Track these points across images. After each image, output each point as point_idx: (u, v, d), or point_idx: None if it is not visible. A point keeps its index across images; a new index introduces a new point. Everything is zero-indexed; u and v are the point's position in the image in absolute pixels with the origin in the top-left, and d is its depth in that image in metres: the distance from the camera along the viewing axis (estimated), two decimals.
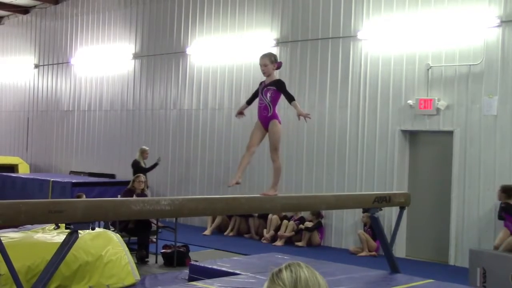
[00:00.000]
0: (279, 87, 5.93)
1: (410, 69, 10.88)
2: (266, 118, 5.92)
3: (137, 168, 12.44)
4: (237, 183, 5.80)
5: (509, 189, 9.13)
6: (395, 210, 10.18)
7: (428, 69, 10.62)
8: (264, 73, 6.02)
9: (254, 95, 6.20)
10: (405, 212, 7.58)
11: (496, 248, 8.87)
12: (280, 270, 2.00)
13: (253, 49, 13.15)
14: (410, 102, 10.78)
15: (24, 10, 18.93)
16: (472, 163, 10.13)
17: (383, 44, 11.27)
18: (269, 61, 5.94)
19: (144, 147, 13.15)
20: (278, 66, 6.01)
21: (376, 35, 11.33)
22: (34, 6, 18.71)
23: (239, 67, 13.49)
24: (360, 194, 9.69)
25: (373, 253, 10.84)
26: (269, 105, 5.92)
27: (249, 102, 6.28)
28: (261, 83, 6.08)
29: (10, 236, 7.06)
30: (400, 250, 10.68)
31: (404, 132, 11.04)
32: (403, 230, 10.65)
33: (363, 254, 10.83)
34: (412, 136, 11.15)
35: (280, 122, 5.94)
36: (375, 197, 7.02)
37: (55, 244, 5.46)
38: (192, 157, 14.23)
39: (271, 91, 5.91)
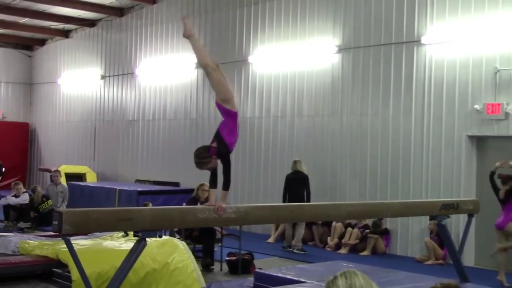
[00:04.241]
0: (217, 135, 5.43)
1: (477, 73, 10.62)
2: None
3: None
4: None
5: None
6: (462, 217, 9.95)
7: (495, 73, 10.35)
8: (214, 166, 5.44)
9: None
10: (473, 219, 7.40)
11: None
12: (335, 277, 2.02)
13: (315, 56, 13.13)
14: (477, 107, 10.53)
15: (90, 23, 19.50)
16: None
17: (448, 48, 11.04)
18: (208, 163, 5.35)
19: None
20: (214, 152, 5.37)
21: (441, 39, 11.11)
22: (100, 19, 19.24)
23: (301, 74, 13.48)
24: (427, 201, 9.50)
25: (440, 261, 10.60)
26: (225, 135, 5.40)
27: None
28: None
29: (80, 243, 7.26)
30: (469, 258, 10.40)
31: (471, 137, 10.78)
32: (471, 238, 10.38)
33: (429, 262, 10.61)
34: (479, 142, 10.87)
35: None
36: (442, 204, 6.89)
37: (123, 251, 5.58)
38: (255, 164, 14.27)
39: (220, 141, 5.38)
